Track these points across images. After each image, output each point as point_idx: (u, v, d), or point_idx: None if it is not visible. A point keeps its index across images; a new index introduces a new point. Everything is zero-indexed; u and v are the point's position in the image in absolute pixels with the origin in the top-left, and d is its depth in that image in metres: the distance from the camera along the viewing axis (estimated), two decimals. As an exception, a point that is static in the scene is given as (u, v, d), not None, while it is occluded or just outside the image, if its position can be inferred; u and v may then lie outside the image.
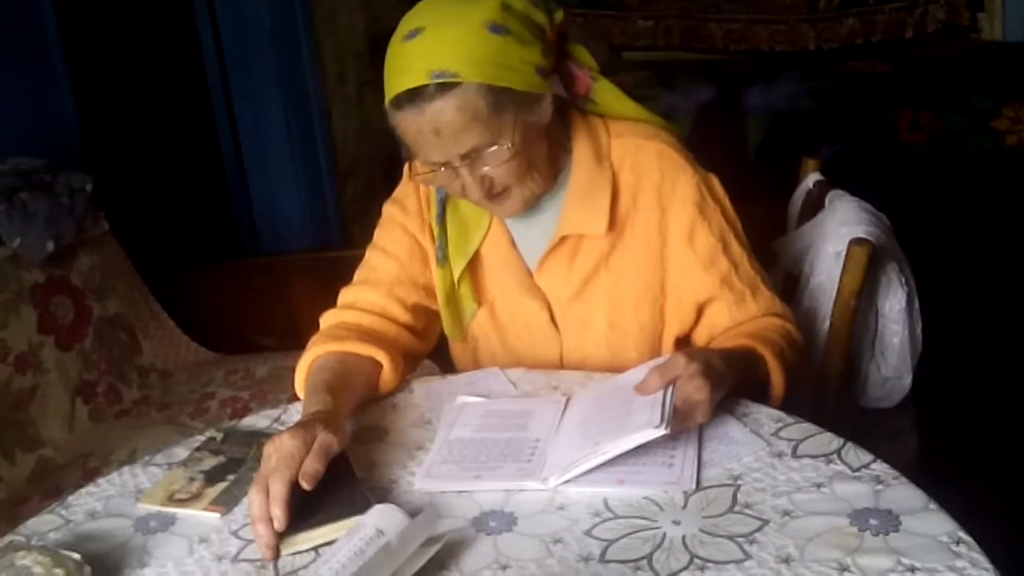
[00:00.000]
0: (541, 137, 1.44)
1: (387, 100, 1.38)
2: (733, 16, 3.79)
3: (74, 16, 2.75)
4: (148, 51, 3.13)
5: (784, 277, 1.77)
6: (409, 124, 1.36)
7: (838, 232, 1.63)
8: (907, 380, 1.69)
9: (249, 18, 3.12)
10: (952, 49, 3.49)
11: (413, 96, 1.34)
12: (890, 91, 3.33)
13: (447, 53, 1.32)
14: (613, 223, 1.49)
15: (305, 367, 1.47)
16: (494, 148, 1.37)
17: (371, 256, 1.60)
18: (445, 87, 1.32)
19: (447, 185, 1.44)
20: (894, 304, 1.65)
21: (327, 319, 1.56)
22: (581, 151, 1.50)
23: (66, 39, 2.66)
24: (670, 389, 1.24)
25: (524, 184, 1.43)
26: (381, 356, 1.47)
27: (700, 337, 1.53)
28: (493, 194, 1.42)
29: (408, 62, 1.35)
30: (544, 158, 1.46)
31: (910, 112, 3.25)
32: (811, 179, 1.87)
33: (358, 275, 1.60)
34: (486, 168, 1.39)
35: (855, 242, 1.56)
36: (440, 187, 1.50)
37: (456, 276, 1.54)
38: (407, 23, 1.38)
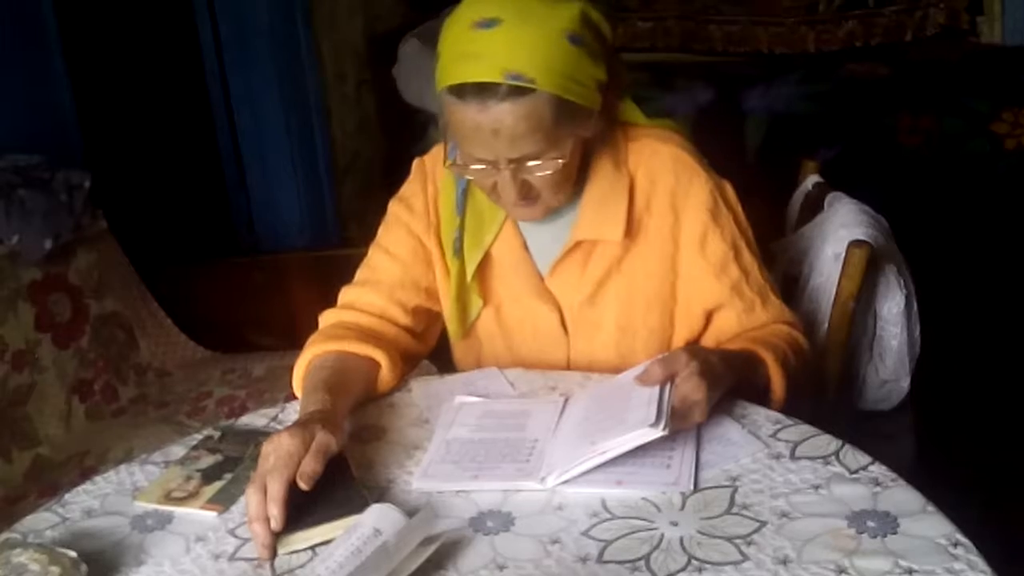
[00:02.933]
0: (580, 150, 1.43)
1: (445, 83, 1.34)
2: (733, 18, 3.78)
3: (73, 13, 2.74)
4: (147, 48, 3.12)
5: (783, 279, 1.76)
6: (467, 117, 1.33)
7: (837, 234, 1.63)
8: (905, 383, 1.69)
9: (248, 16, 3.12)
10: (951, 52, 3.49)
11: (481, 91, 1.30)
12: (889, 94, 3.33)
13: (526, 55, 1.29)
14: (628, 228, 1.48)
15: (303, 366, 1.47)
16: (544, 159, 1.36)
17: (374, 255, 1.59)
18: (518, 91, 1.29)
19: (480, 180, 1.42)
20: (892, 307, 1.65)
21: (326, 318, 1.56)
22: (601, 158, 1.48)
23: (65, 35, 2.66)
24: (668, 389, 1.24)
25: (556, 195, 1.43)
26: (380, 356, 1.46)
27: (708, 343, 1.52)
28: (526, 199, 1.41)
29: (480, 52, 1.31)
30: (576, 170, 1.45)
31: (909, 115, 3.25)
32: (810, 181, 1.87)
33: (360, 274, 1.59)
34: (529, 175, 1.37)
35: (854, 244, 1.56)
36: (472, 179, 1.46)
37: (471, 270, 1.53)
38: (478, 8, 1.34)
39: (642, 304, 1.51)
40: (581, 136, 1.40)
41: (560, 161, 1.36)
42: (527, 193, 1.40)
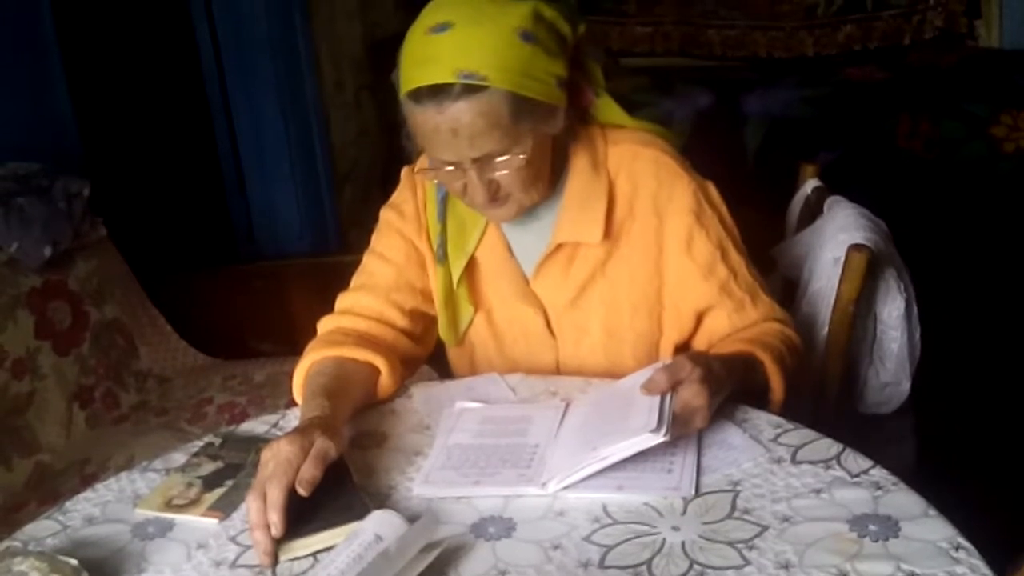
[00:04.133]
0: (548, 147, 1.44)
1: (404, 90, 1.36)
2: (731, 22, 3.79)
3: (72, 20, 2.74)
4: (146, 56, 3.13)
5: (783, 283, 1.77)
6: (426, 120, 1.34)
7: (836, 238, 1.63)
8: (906, 386, 1.69)
9: (247, 23, 3.12)
10: (950, 56, 3.49)
11: (436, 92, 1.32)
12: (888, 98, 3.34)
13: (477, 54, 1.31)
14: (609, 231, 1.49)
15: (303, 372, 1.47)
16: (508, 156, 1.37)
17: (368, 261, 1.60)
18: (471, 89, 1.31)
19: (450, 183, 1.43)
20: (892, 310, 1.65)
21: (324, 324, 1.56)
22: (578, 159, 1.50)
23: (64, 43, 2.66)
24: (669, 395, 1.24)
25: (527, 192, 1.43)
26: (379, 361, 1.47)
27: (699, 344, 1.52)
28: (495, 199, 1.42)
29: (433, 55, 1.33)
30: (548, 168, 1.46)
31: (908, 119, 3.25)
32: (809, 185, 1.87)
33: (355, 281, 1.60)
34: (495, 173, 1.38)
35: (853, 248, 1.57)
36: (442, 184, 1.49)
37: (456, 275, 1.54)
38: (433, 14, 1.36)
39: (627, 308, 1.52)
40: (545, 132, 1.41)
41: (522, 157, 1.37)
42: (496, 193, 1.41)
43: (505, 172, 1.38)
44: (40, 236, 2.25)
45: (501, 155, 1.36)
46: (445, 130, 1.34)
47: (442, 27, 1.33)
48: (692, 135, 3.33)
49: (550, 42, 1.37)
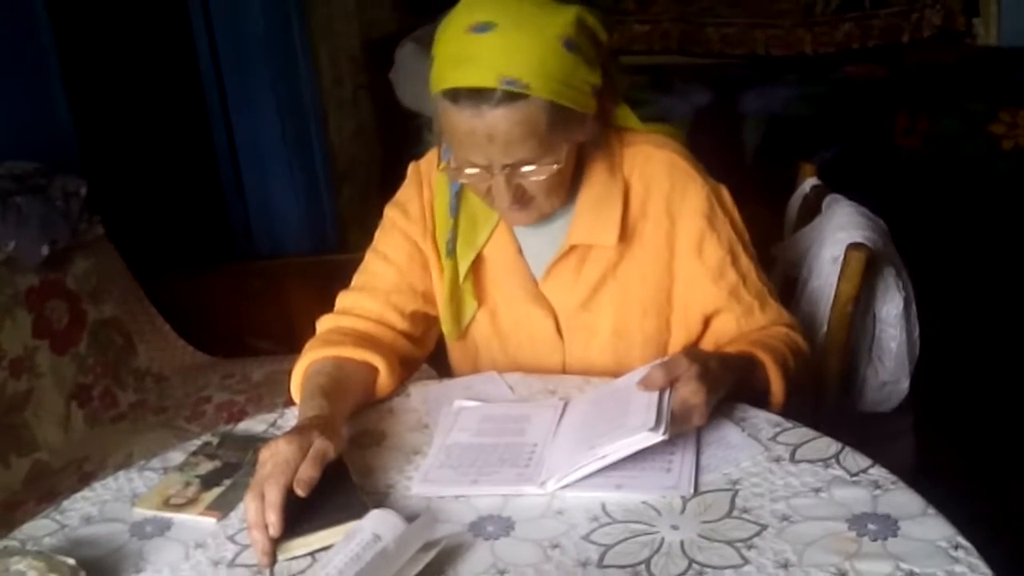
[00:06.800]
0: (575, 154, 1.43)
1: (440, 87, 1.33)
2: (730, 20, 3.79)
3: (69, 19, 2.74)
4: (143, 54, 3.12)
5: (781, 282, 1.76)
6: (462, 122, 1.32)
7: (835, 237, 1.63)
8: (905, 384, 1.69)
9: (245, 22, 3.11)
10: (948, 54, 3.49)
11: (475, 96, 1.30)
12: (886, 96, 3.34)
13: (521, 61, 1.29)
14: (623, 233, 1.48)
15: (301, 372, 1.46)
16: (539, 164, 1.36)
17: (370, 261, 1.59)
18: (512, 96, 1.29)
19: (475, 184, 1.42)
20: (891, 309, 1.65)
21: (323, 324, 1.55)
22: (595, 162, 1.48)
23: (61, 42, 2.66)
24: (667, 393, 1.24)
25: (549, 198, 1.42)
26: (377, 361, 1.46)
27: (706, 347, 1.51)
28: (519, 202, 1.40)
29: (474, 56, 1.30)
30: (571, 174, 1.45)
31: (906, 116, 3.25)
32: (808, 183, 1.87)
33: (356, 280, 1.59)
34: (524, 180, 1.37)
35: (852, 247, 1.56)
36: (466, 183, 1.46)
37: (463, 270, 1.53)
38: (472, 11, 1.33)
39: (638, 309, 1.51)
40: (575, 141, 1.40)
41: (555, 167, 1.36)
42: (521, 197, 1.40)
43: (535, 179, 1.37)
44: (38, 235, 2.25)
45: (532, 163, 1.35)
46: (481, 135, 1.32)
47: (484, 27, 1.30)
48: (691, 133, 3.32)
49: (590, 51, 1.36)
